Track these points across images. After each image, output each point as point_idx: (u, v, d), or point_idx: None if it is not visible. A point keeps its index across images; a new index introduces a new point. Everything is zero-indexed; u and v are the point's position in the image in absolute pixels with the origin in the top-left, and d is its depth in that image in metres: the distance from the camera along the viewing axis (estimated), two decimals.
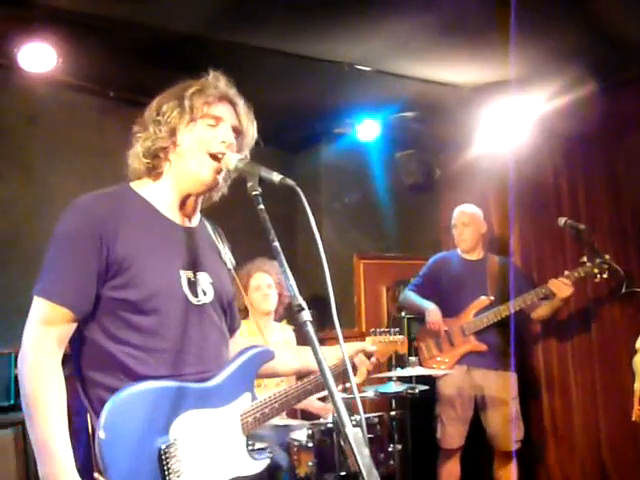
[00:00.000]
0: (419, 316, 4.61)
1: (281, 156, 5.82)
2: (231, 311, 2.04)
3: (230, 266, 2.08)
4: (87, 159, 4.28)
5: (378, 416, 3.47)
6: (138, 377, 1.70)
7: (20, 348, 1.70)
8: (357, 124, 5.19)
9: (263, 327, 4.02)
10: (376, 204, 5.57)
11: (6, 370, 3.27)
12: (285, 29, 3.84)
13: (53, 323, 1.68)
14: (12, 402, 3.26)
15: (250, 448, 1.89)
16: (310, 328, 1.43)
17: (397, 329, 2.59)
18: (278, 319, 4.25)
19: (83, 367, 1.75)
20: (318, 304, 5.96)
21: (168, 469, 1.66)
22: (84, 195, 1.79)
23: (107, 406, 1.62)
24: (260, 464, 1.90)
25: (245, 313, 4.10)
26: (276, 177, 1.69)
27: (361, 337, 5.60)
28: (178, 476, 1.67)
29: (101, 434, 1.58)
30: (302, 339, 1.98)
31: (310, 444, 3.30)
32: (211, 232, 2.05)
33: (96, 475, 1.60)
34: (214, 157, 1.86)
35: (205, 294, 1.87)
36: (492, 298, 4.25)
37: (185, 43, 3.83)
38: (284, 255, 1.64)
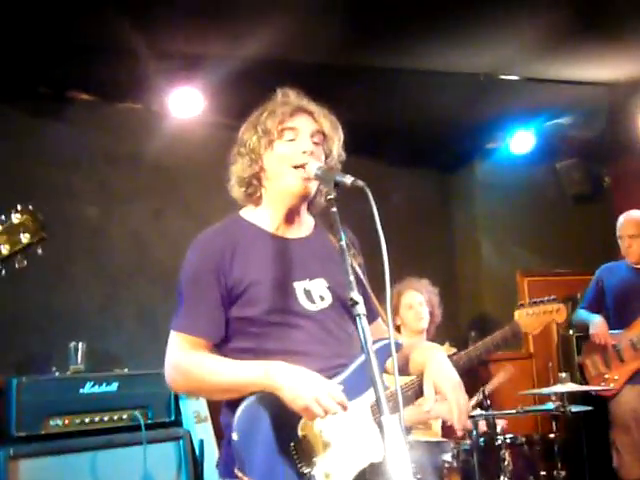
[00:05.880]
0: (588, 333, 4.29)
1: (438, 176, 5.79)
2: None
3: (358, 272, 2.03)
4: None
5: (526, 436, 3.25)
6: None
7: None
8: (509, 136, 5.01)
9: None
10: (538, 218, 5.31)
11: (167, 389, 3.53)
12: (416, 46, 3.85)
13: (190, 350, 1.88)
14: (172, 418, 3.53)
15: None
16: (363, 320, 1.43)
17: (553, 297, 2.39)
18: (429, 339, 4.17)
19: None
20: (480, 324, 5.77)
21: (301, 463, 1.75)
22: (201, 233, 1.98)
23: (238, 410, 1.75)
24: None
25: (397, 332, 4.10)
26: (348, 180, 1.73)
27: (529, 358, 5.37)
28: (312, 469, 1.75)
29: (234, 436, 1.71)
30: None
31: (456, 464, 3.18)
32: (331, 238, 2.08)
33: (236, 471, 1.72)
34: (300, 167, 1.91)
35: (323, 299, 1.93)
36: None
37: (320, 72, 3.98)
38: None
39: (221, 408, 1.92)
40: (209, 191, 4.48)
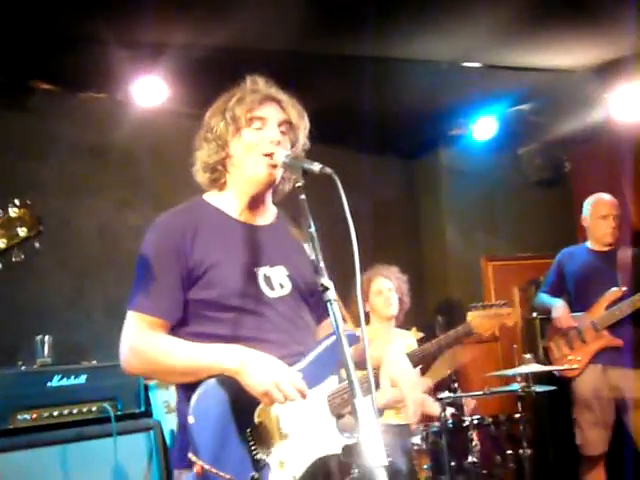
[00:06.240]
0: (551, 316, 4.39)
1: (402, 163, 5.85)
2: (318, 300, 2.00)
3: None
4: None
5: (492, 416, 3.33)
6: None
7: None
8: (472, 123, 5.08)
9: (384, 333, 4.03)
10: (501, 204, 5.40)
11: (136, 379, 3.53)
12: (380, 35, 3.86)
13: (147, 330, 1.84)
14: (142, 409, 3.51)
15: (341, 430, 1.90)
16: (335, 306, 1.45)
17: (504, 301, 2.53)
18: (398, 326, 4.23)
19: None
20: (447, 310, 5.85)
21: (256, 449, 1.74)
22: (162, 214, 1.95)
23: (195, 394, 1.74)
24: (346, 440, 1.88)
25: (366, 319, 4.14)
26: (316, 167, 1.73)
27: (495, 341, 5.47)
28: (267, 455, 1.74)
29: (190, 419, 1.70)
30: None
31: (425, 446, 3.24)
32: (291, 227, 2.09)
33: (190, 455, 1.70)
34: (267, 155, 1.92)
35: (282, 287, 1.93)
36: (624, 289, 3.95)
37: (285, 60, 3.97)
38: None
39: (177, 394, 1.89)
40: (176, 181, 4.42)
